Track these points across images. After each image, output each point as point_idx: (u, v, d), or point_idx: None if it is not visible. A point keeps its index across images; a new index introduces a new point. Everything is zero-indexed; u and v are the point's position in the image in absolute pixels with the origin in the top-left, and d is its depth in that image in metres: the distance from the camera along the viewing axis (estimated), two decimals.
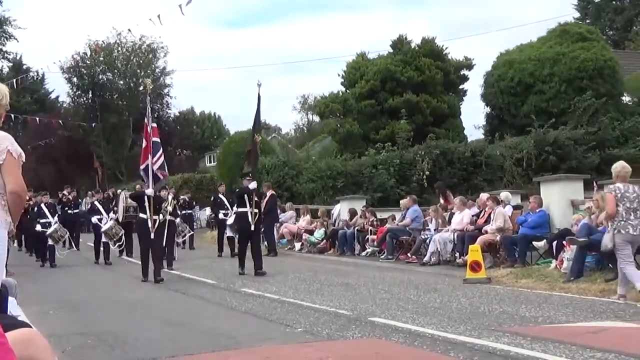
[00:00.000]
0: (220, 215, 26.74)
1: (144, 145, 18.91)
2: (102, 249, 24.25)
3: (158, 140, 18.85)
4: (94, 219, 25.19)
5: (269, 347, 9.04)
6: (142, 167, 18.65)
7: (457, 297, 13.50)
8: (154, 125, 19.28)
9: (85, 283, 18.84)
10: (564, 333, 9.34)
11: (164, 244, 19.34)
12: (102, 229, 23.79)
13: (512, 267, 17.06)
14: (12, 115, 44.41)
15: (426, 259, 19.85)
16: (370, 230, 24.04)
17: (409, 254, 21.13)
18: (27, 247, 29.38)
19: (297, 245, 26.93)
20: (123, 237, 23.98)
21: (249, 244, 19.25)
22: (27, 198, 25.77)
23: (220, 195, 27.58)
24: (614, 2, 67.48)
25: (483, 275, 16.01)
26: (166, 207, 19.70)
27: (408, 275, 17.91)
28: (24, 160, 5.88)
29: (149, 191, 18.05)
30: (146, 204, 18.03)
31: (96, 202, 26.23)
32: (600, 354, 7.83)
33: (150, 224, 17.93)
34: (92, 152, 60.42)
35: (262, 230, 23.56)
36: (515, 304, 12.39)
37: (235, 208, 23.14)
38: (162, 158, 18.71)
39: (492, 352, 8.19)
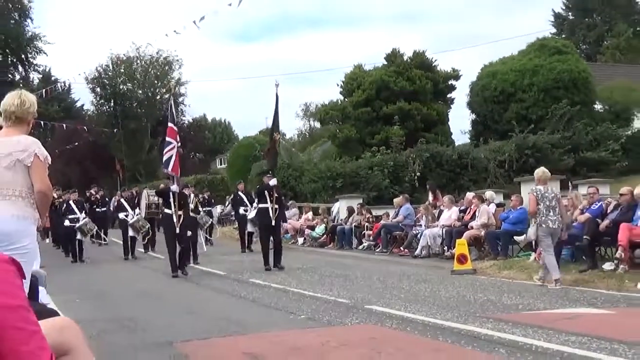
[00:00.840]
0: (241, 211, 25.80)
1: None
2: (129, 244, 23.39)
3: (172, 140, 18.23)
4: (121, 215, 24.39)
5: (275, 333, 9.04)
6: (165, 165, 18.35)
7: (445, 286, 13.50)
8: (170, 125, 18.71)
9: (109, 275, 18.74)
10: (542, 319, 9.34)
11: (189, 240, 18.69)
12: (130, 222, 23.06)
13: (495, 259, 17.06)
14: (42, 122, 44.52)
15: (417, 252, 19.85)
16: (367, 226, 24.04)
17: (401, 248, 21.12)
18: (55, 242, 28.68)
19: (300, 240, 26.93)
20: (149, 229, 23.55)
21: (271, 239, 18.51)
22: (56, 196, 25.67)
23: (240, 193, 26.46)
24: (586, 20, 67.68)
25: (469, 267, 16.03)
26: (190, 203, 19.11)
27: (401, 267, 17.92)
28: (50, 163, 5.95)
29: (174, 187, 17.53)
30: (171, 199, 17.36)
31: (122, 200, 25.51)
32: (575, 338, 7.83)
33: (175, 219, 17.25)
34: (113, 155, 60.39)
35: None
36: (498, 293, 12.40)
37: (255, 204, 23.03)
38: (168, 155, 17.99)
39: (477, 337, 8.19)
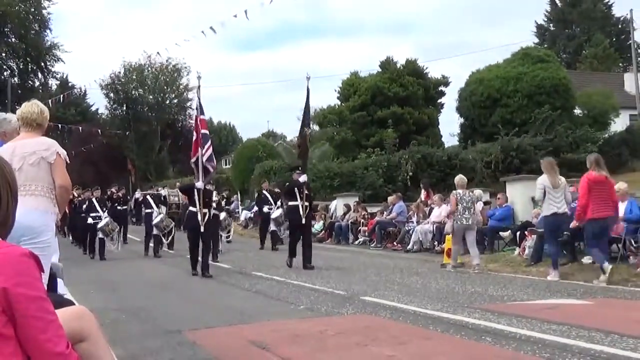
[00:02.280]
0: (265, 210, 24.45)
1: (194, 138, 16.44)
2: (151, 242, 22.05)
3: (207, 132, 16.55)
4: (144, 213, 23.69)
5: (276, 322, 9.04)
6: (192, 160, 16.32)
7: (435, 279, 13.52)
8: (203, 117, 16.82)
9: (121, 269, 18.59)
10: (526, 309, 9.35)
11: (212, 238, 17.36)
12: (154, 222, 21.73)
13: (482, 253, 17.02)
14: (59, 125, 44.53)
15: (409, 247, 19.90)
16: (362, 222, 24.09)
17: (395, 243, 21.16)
18: (74, 239, 27.61)
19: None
20: (173, 229, 22.14)
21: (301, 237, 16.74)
22: (76, 195, 25.46)
23: (264, 191, 25.22)
24: (566, 31, 67.90)
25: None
26: (215, 200, 17.89)
27: (394, 260, 17.92)
28: (68, 162, 6.08)
29: (199, 184, 15.66)
30: (195, 197, 15.67)
31: (148, 197, 24.61)
32: (556, 326, 7.85)
33: (199, 217, 15.52)
34: (125, 156, 60.49)
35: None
36: (485, 285, 12.42)
37: (279, 203, 22.94)
38: (211, 150, 16.31)
39: (465, 326, 8.20)
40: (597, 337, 7.22)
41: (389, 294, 11.33)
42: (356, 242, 23.66)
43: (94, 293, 12.78)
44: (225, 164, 72.11)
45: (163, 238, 21.75)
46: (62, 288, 5.99)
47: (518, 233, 16.89)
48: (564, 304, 9.87)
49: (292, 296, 11.52)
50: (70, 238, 28.43)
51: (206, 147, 15.97)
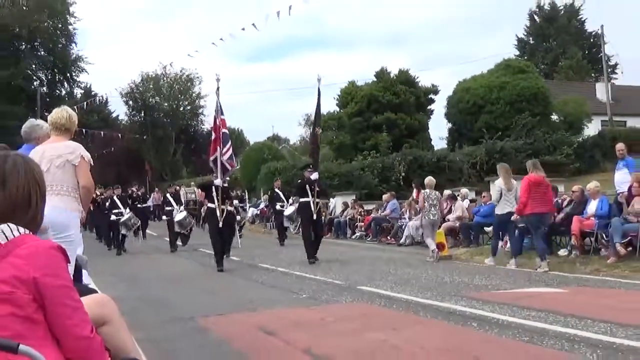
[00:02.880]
0: (278, 207, 23.62)
1: (212, 138, 15.99)
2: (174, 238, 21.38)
3: (227, 131, 16.07)
4: (167, 209, 22.67)
5: (281, 310, 9.05)
6: (211, 158, 15.77)
7: (425, 270, 13.50)
8: (223, 117, 16.01)
9: (141, 262, 18.58)
10: (508, 297, 9.35)
11: (231, 234, 16.72)
12: (177, 219, 21.03)
13: (468, 247, 17.10)
14: (84, 130, 44.55)
15: (402, 241, 19.87)
16: (359, 218, 24.08)
17: (388, 237, 21.13)
18: (97, 235, 27.07)
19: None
20: (193, 227, 21.70)
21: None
22: (99, 193, 25.30)
23: (277, 190, 24.41)
24: (544, 44, 68.04)
25: (446, 253, 16.04)
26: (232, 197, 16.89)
27: (388, 253, 17.91)
28: (93, 164, 6.12)
29: (218, 181, 15.19)
30: (214, 193, 15.09)
31: (168, 195, 23.55)
32: (534, 313, 7.86)
33: (218, 213, 14.93)
34: (143, 158, 60.52)
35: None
36: (471, 275, 12.41)
37: (291, 200, 22.50)
38: (232, 149, 15.90)
39: (452, 313, 8.20)
40: (572, 322, 7.24)
41: (383, 283, 11.34)
42: (353, 237, 23.63)
43: (116, 283, 12.81)
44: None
45: (185, 233, 21.36)
46: (86, 278, 6.01)
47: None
48: (542, 293, 9.87)
49: (295, 286, 11.52)
50: (95, 234, 27.99)
51: (227, 146, 15.59)
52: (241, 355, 6.36)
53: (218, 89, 16.12)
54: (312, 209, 15.79)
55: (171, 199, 22.78)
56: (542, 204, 13.08)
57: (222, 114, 15.96)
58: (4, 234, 2.66)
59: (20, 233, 2.69)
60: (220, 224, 14.95)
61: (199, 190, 19.20)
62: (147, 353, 5.33)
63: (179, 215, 21.20)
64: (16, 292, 2.60)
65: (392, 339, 6.69)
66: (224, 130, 15.75)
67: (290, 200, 22.63)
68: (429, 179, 16.73)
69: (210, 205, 15.33)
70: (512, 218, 13.80)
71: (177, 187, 27.59)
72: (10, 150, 3.08)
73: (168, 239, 21.79)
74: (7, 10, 56.19)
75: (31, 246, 2.66)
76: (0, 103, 51.86)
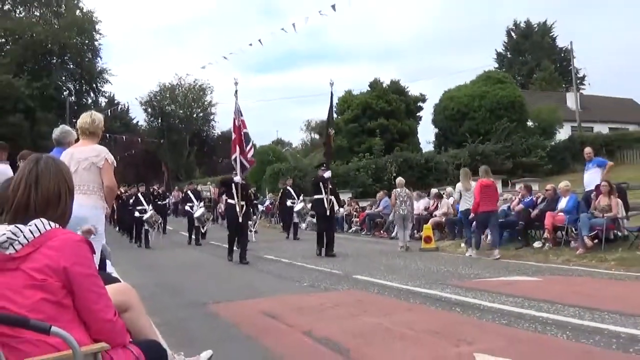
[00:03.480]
0: (288, 204, 22.91)
1: (233, 138, 15.27)
2: (193, 233, 20.98)
3: (247, 131, 15.23)
4: (187, 206, 21.88)
5: (284, 296, 9.06)
6: (232, 157, 14.99)
7: (415, 261, 13.50)
8: (243, 118, 15.22)
9: (159, 254, 18.49)
10: (488, 285, 9.36)
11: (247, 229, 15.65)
12: (196, 215, 20.51)
13: (453, 240, 17.09)
14: (107, 135, 44.65)
15: (393, 234, 19.84)
16: (355, 214, 24.11)
17: (381, 231, 21.16)
18: (121, 229, 26.28)
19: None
20: (210, 222, 21.02)
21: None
22: (123, 190, 25.10)
23: (289, 187, 23.73)
24: (520, 58, 68.25)
25: (433, 245, 16.06)
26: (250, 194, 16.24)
27: (381, 246, 17.90)
28: (116, 165, 6.15)
29: (237, 178, 14.43)
30: (234, 190, 14.40)
31: (189, 192, 22.73)
32: (512, 299, 7.87)
33: (238, 209, 14.22)
34: (160, 160, 60.40)
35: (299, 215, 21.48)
36: (455, 265, 12.42)
37: (301, 198, 22.31)
38: (253, 148, 15.41)
39: (439, 299, 8.21)
40: (545, 307, 7.25)
41: (376, 273, 11.33)
42: (350, 231, 23.66)
43: (136, 272, 12.79)
44: None
45: (202, 228, 20.84)
46: (110, 267, 6.03)
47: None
48: (518, 281, 9.88)
49: (297, 275, 11.53)
50: (117, 228, 27.50)
51: (249, 146, 15.10)
52: (249, 336, 6.37)
53: (236, 92, 15.38)
54: (326, 205, 15.20)
55: (192, 196, 22.23)
56: (489, 204, 13.98)
57: (241, 115, 15.26)
58: (37, 228, 2.69)
59: (51, 227, 2.72)
60: (240, 219, 14.31)
61: (215, 188, 18.88)
62: (164, 335, 5.34)
63: (198, 211, 20.69)
64: (48, 280, 2.63)
65: (385, 323, 6.70)
66: (245, 130, 15.09)
67: (301, 198, 22.49)
68: (399, 179, 17.28)
69: (230, 201, 14.81)
70: (470, 217, 14.44)
71: (196, 185, 26.82)
72: (40, 153, 3.09)
73: (187, 234, 21.48)
74: (41, 29, 56.79)
75: (61, 239, 2.69)
76: (36, 111, 52.25)
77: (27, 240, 2.66)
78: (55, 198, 2.85)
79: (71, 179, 3.00)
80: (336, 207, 16.24)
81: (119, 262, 12.13)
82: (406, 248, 16.00)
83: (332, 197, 15.45)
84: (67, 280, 2.65)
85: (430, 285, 9.47)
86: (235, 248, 14.65)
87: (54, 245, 2.66)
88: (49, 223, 2.73)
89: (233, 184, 14.48)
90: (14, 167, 8.49)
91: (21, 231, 2.68)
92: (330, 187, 15.46)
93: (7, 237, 2.66)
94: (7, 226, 2.72)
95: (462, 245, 15.54)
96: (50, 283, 2.63)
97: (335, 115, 46.05)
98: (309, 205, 19.98)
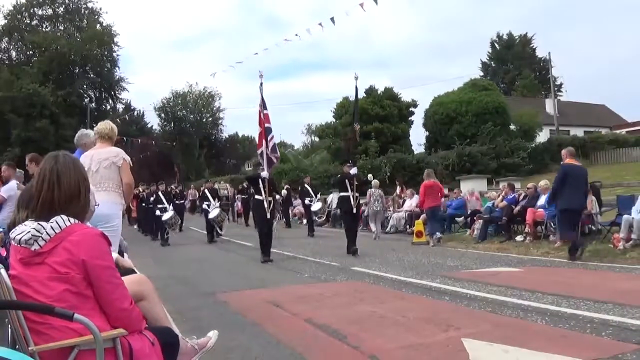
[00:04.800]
0: (306, 202, 21.98)
1: (258, 132, 13.76)
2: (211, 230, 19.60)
3: (270, 125, 13.70)
4: (204, 205, 20.57)
5: (286, 286, 9.07)
6: (258, 151, 13.77)
7: (407, 253, 13.52)
8: (266, 112, 13.69)
9: (173, 248, 18.31)
10: (475, 275, 9.38)
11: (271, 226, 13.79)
12: (210, 216, 19.26)
13: (442, 234, 17.07)
14: (124, 138, 44.81)
15: (387, 229, 19.87)
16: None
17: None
18: (141, 228, 25.07)
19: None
20: (227, 221, 20.08)
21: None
22: (142, 190, 24.72)
23: (306, 185, 22.65)
24: (503, 67, 68.38)
25: (424, 239, 16.04)
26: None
27: (376, 240, 17.89)
28: (132, 165, 6.25)
29: (264, 174, 13.13)
30: (260, 185, 13.07)
31: (206, 191, 21.01)
32: (496, 288, 7.88)
33: (265, 205, 12.98)
34: (172, 161, 60.34)
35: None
36: (444, 257, 12.43)
37: (319, 196, 21.82)
38: (274, 141, 13.86)
39: (429, 289, 8.22)
40: (526, 295, 7.27)
41: (372, 265, 11.35)
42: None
43: (151, 265, 12.79)
44: (247, 167, 72.21)
45: (218, 229, 19.55)
46: (127, 260, 6.04)
47: (469, 219, 16.90)
48: (502, 271, 9.89)
49: (298, 267, 11.55)
50: (138, 228, 25.93)
51: (270, 139, 13.59)
52: (254, 323, 6.38)
53: (261, 84, 13.83)
54: (352, 203, 13.80)
55: (208, 194, 20.71)
56: (434, 200, 15.63)
57: (265, 108, 13.73)
58: (58, 224, 2.71)
59: (70, 223, 2.74)
60: (268, 215, 13.08)
61: (231, 186, 18.35)
62: (176, 322, 5.32)
63: (214, 212, 19.36)
64: (70, 273, 2.65)
65: (380, 310, 6.71)
66: (267, 125, 13.62)
67: (318, 196, 22.28)
68: (375, 181, 18.65)
69: (257, 197, 13.29)
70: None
71: (212, 184, 26.10)
72: (56, 151, 3.11)
73: (203, 231, 20.65)
74: (65, 42, 57.59)
75: (80, 234, 2.71)
76: (59, 116, 52.65)
77: (50, 237, 2.68)
78: (76, 193, 2.88)
79: (86, 174, 3.04)
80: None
81: (135, 255, 12.12)
82: (378, 238, 17.36)
83: (358, 195, 14.09)
84: (86, 272, 2.67)
85: (421, 276, 9.48)
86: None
87: (74, 240, 2.68)
88: (69, 219, 2.75)
89: (260, 180, 13.12)
90: (25, 170, 8.65)
91: (44, 228, 2.70)
92: (356, 183, 14.04)
93: (32, 235, 2.68)
94: (31, 224, 2.74)
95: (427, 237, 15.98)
96: (72, 276, 2.65)
97: (334, 119, 46.39)
98: (331, 203, 19.65)
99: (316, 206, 20.91)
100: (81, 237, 2.69)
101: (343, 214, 15.19)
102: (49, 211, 2.77)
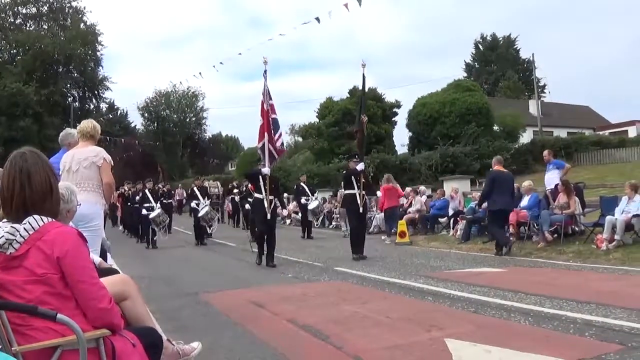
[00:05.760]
0: (302, 201, 20.89)
1: (260, 124, 12.34)
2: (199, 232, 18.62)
3: (277, 117, 12.47)
4: (193, 204, 19.26)
5: (270, 286, 9.04)
6: (259, 145, 12.38)
7: (390, 254, 13.54)
8: (272, 102, 12.38)
9: (159, 249, 17.84)
10: (458, 275, 9.42)
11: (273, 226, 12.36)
12: (200, 214, 18.27)
13: (426, 234, 17.16)
14: (107, 137, 44.62)
15: (371, 229, 19.84)
16: (335, 211, 24.03)
17: None
18: (127, 230, 24.22)
19: (288, 221, 26.86)
20: (217, 221, 19.36)
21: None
22: (127, 188, 24.27)
23: (302, 184, 21.77)
24: (487, 68, 68.87)
25: (407, 240, 16.09)
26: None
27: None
28: (113, 165, 6.24)
29: (265, 170, 11.88)
30: (261, 183, 11.85)
31: (195, 189, 19.50)
32: (479, 288, 7.92)
33: (266, 204, 11.76)
34: (156, 161, 60.11)
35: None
36: (427, 258, 12.47)
37: (315, 195, 21.50)
38: (281, 137, 12.60)
39: (412, 289, 8.24)
40: (509, 296, 7.30)
41: (355, 265, 11.36)
42: (330, 227, 23.63)
43: (134, 264, 12.70)
44: (231, 167, 72.09)
45: (208, 229, 18.71)
46: (110, 260, 6.01)
47: (452, 219, 16.98)
48: (485, 272, 9.94)
49: (282, 267, 11.51)
50: (123, 229, 25.15)
51: (278, 133, 12.39)
52: (237, 323, 6.35)
53: (265, 72, 12.50)
54: (359, 202, 12.61)
55: (197, 193, 19.39)
56: (392, 202, 17.09)
57: (270, 98, 12.42)
58: (31, 225, 2.67)
59: (44, 222, 2.70)
60: (269, 215, 11.86)
61: (221, 185, 17.99)
62: (159, 322, 5.31)
63: (203, 210, 18.38)
64: (47, 273, 2.62)
65: (363, 310, 6.72)
66: (273, 116, 12.38)
67: (316, 195, 22.18)
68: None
69: (257, 195, 12.10)
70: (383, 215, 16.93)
71: (202, 181, 25.05)
72: (21, 148, 3.00)
73: (191, 232, 19.88)
74: (49, 41, 57.27)
75: (55, 232, 2.68)
76: (43, 115, 52.41)
77: (24, 238, 2.64)
78: (48, 190, 2.82)
79: (52, 167, 2.96)
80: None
81: (118, 255, 12.04)
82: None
83: (365, 193, 12.79)
84: (62, 271, 2.65)
85: (404, 276, 9.49)
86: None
87: (48, 239, 2.65)
88: (41, 218, 2.70)
89: (260, 177, 11.97)
90: None
91: (17, 231, 2.65)
92: (363, 180, 12.80)
93: (6, 239, 2.63)
94: (4, 227, 2.69)
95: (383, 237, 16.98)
96: (49, 276, 2.62)
97: (317, 120, 46.38)
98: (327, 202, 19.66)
99: (313, 204, 20.16)
100: (55, 236, 2.66)
101: (348, 215, 13.82)
102: (23, 212, 2.73)
